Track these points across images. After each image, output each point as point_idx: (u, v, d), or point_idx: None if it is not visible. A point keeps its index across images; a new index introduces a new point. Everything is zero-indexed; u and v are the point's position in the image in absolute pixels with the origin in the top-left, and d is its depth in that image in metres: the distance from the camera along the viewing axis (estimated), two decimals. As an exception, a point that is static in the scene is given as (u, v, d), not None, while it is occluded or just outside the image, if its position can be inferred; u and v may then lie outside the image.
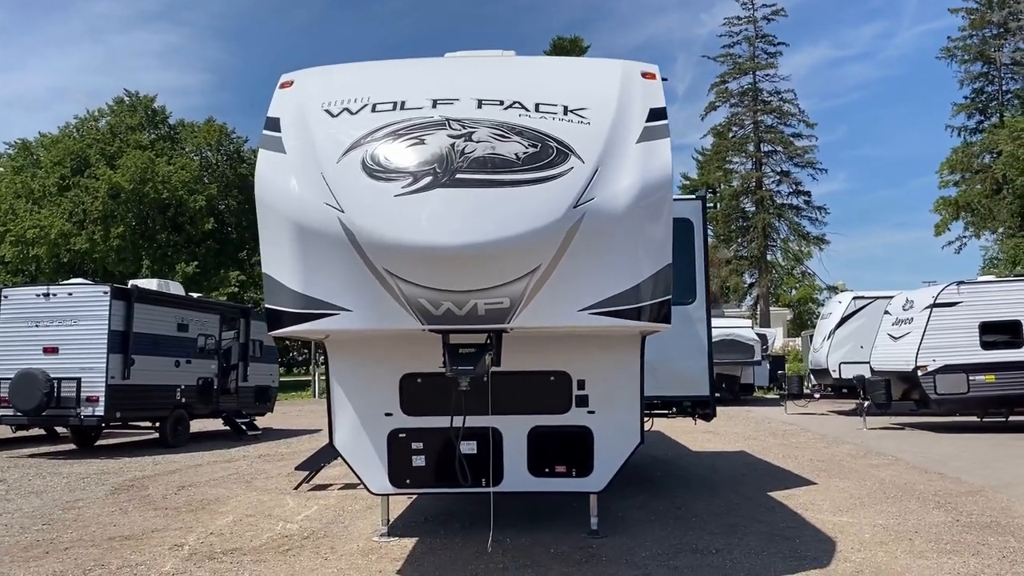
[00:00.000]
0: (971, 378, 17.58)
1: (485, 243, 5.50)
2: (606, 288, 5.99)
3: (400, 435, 7.89)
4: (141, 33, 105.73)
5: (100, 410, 15.11)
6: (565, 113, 6.07)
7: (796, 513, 9.16)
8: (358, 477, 8.01)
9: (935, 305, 17.90)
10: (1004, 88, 50.94)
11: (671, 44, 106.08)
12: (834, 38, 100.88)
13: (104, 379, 15.09)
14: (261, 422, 20.47)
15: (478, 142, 5.82)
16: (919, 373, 17.74)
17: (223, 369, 18.63)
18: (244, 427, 19.02)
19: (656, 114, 6.28)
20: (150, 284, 17.95)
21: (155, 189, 41.95)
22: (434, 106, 6.12)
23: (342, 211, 5.77)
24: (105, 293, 15.47)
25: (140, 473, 13.29)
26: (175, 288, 18.64)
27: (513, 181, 5.66)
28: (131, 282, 17.87)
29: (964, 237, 47.87)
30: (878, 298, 23.49)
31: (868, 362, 21.01)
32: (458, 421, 7.04)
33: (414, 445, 7.93)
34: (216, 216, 46.99)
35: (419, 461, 7.96)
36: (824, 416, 24.08)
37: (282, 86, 6.70)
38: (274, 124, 6.38)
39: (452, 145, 5.80)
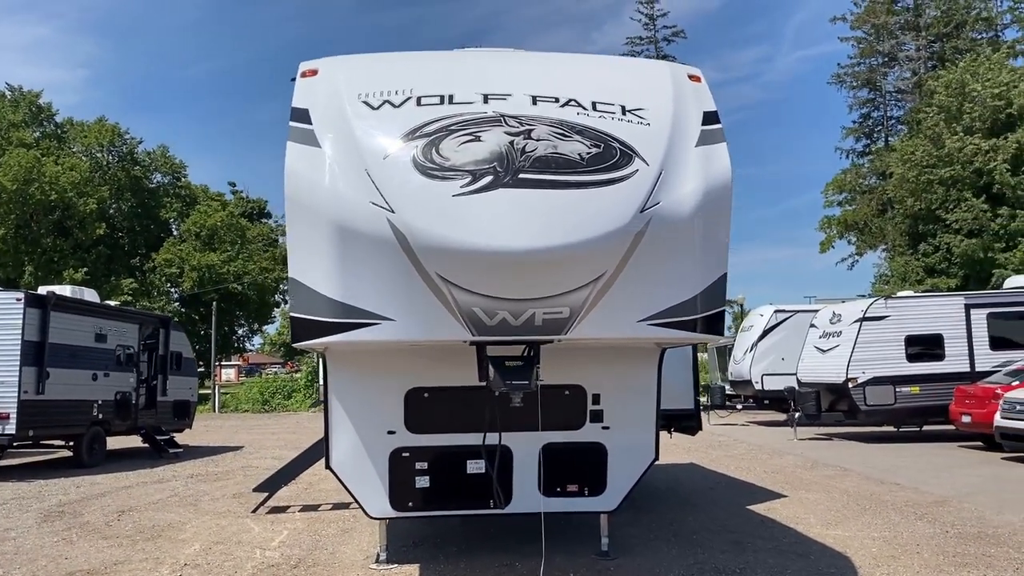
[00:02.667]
0: (898, 390, 18.20)
1: (553, 248, 5.13)
2: (667, 298, 5.71)
3: (403, 454, 7.38)
4: (5, 26, 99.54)
5: (11, 428, 13.82)
6: (624, 113, 5.76)
7: (790, 528, 9.08)
8: (355, 500, 7.45)
9: (864, 319, 18.46)
10: (889, 114, 53.75)
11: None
12: (719, 60, 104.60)
13: (16, 394, 13.82)
14: (179, 439, 19.23)
15: (538, 140, 5.44)
16: (850, 385, 18.24)
17: (142, 383, 17.40)
18: (164, 444, 17.81)
19: (710, 117, 6.05)
20: (64, 291, 16.57)
21: (41, 190, 39.44)
22: (485, 101, 5.70)
23: (392, 211, 5.29)
24: (19, 300, 14.18)
25: (65, 497, 12.17)
26: (90, 295, 17.30)
27: (579, 183, 5.31)
28: (44, 288, 16.49)
29: (853, 255, 50.10)
30: (799, 312, 24.16)
31: (790, 373, 21.55)
32: (492, 438, 6.63)
33: (418, 465, 7.43)
34: (107, 220, 44.58)
35: (423, 482, 7.46)
36: (746, 427, 24.55)
37: (304, 75, 6.14)
38: (303, 115, 5.82)
39: (511, 143, 5.40)
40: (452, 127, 5.51)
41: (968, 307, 18.54)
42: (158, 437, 17.81)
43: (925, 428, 19.47)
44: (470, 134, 5.47)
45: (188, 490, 12.78)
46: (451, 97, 5.74)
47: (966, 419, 16.56)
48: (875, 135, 54.17)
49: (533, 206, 5.20)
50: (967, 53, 42.14)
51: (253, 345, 65.78)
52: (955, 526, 9.06)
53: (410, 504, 7.46)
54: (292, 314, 5.81)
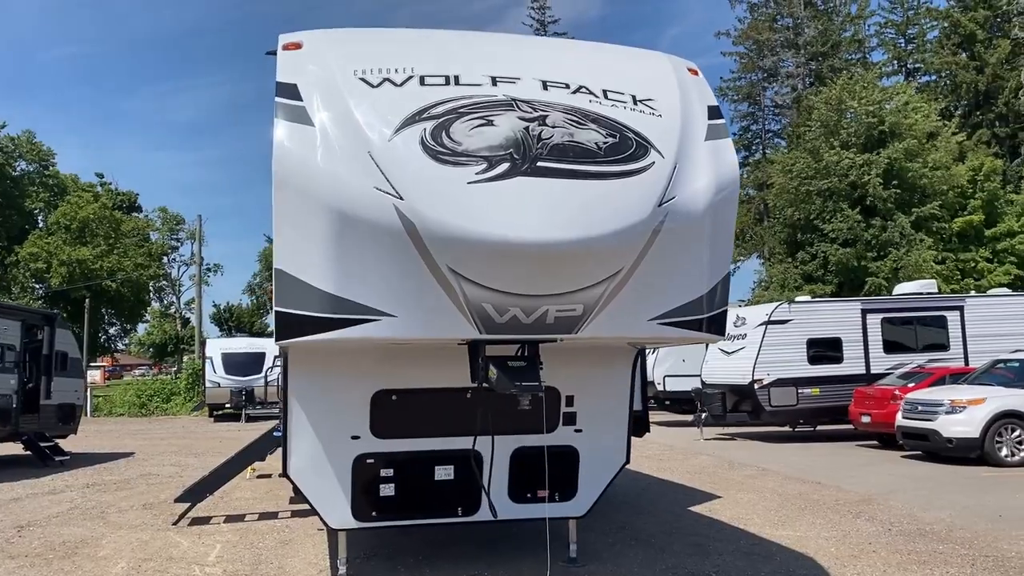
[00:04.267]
0: (800, 391, 18.81)
1: (577, 241, 4.87)
2: (676, 296, 5.53)
3: (367, 461, 6.93)
4: None
5: None
6: (635, 103, 5.56)
7: (741, 529, 9.11)
8: (314, 509, 6.94)
9: (769, 322, 18.99)
10: (767, 128, 56.08)
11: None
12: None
13: None
14: (62, 445, 17.78)
15: (554, 127, 5.16)
16: (755, 386, 18.72)
17: (24, 385, 15.98)
18: (48, 452, 16.42)
19: (713, 112, 5.92)
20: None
21: None
22: (494, 84, 5.38)
23: (400, 198, 4.89)
24: None
25: (-53, 511, 10.97)
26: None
27: (598, 173, 5.07)
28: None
29: (737, 260, 51.91)
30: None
31: (692, 375, 21.99)
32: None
33: (383, 472, 7.00)
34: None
35: (387, 490, 7.04)
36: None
37: (287, 47, 5.63)
38: (291, 91, 5.32)
39: (526, 128, 5.11)
40: (461, 109, 5.17)
41: (864, 312, 19.36)
42: (42, 444, 16.41)
43: (818, 428, 20.22)
44: (482, 118, 5.13)
45: (88, 501, 11.76)
46: (457, 78, 5.38)
47: (866, 419, 17.27)
48: (754, 147, 56.42)
49: (554, 196, 4.92)
50: (842, 72, 44.40)
51: (124, 345, 62.35)
52: (894, 524, 9.30)
53: (373, 514, 7.01)
54: (277, 309, 5.29)
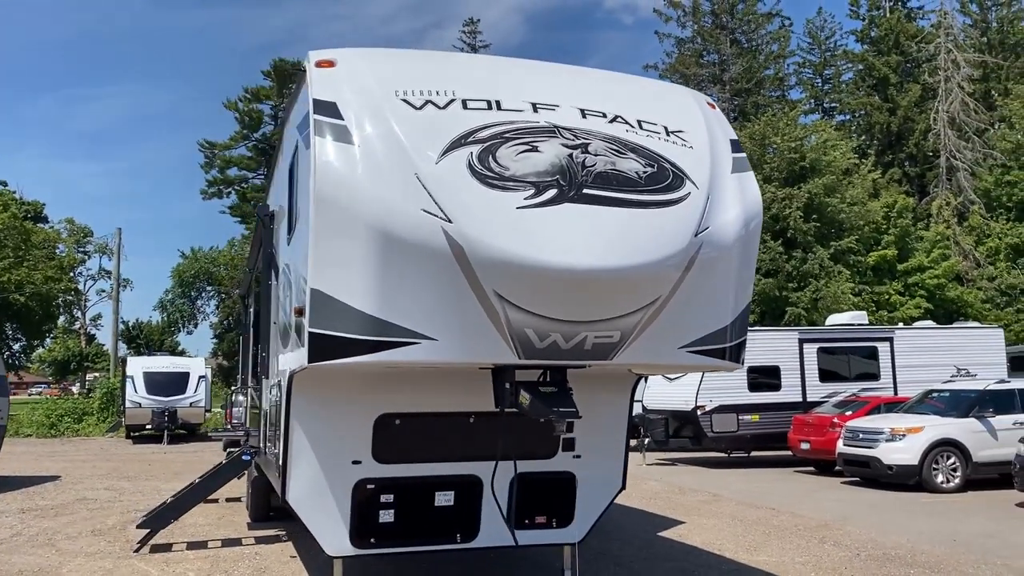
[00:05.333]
0: (740, 417, 19.24)
1: (623, 268, 4.94)
2: (704, 325, 5.64)
3: (368, 486, 6.80)
4: None
5: None
6: (667, 134, 5.66)
7: (716, 554, 9.27)
8: (313, 535, 6.75)
9: (711, 350, 19.36)
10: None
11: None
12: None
13: None
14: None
15: (596, 155, 5.23)
16: (698, 412, 19.06)
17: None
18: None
19: (735, 145, 6.09)
20: None
21: None
22: (535, 110, 5.41)
23: (449, 221, 4.86)
24: None
25: None
26: None
27: (640, 202, 5.15)
28: None
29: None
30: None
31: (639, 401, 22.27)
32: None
33: (383, 498, 6.87)
34: None
35: (387, 516, 6.91)
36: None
37: (320, 64, 5.54)
38: (330, 109, 5.23)
39: (570, 156, 5.15)
40: (506, 134, 5.18)
41: (802, 342, 19.98)
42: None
43: (752, 454, 20.72)
44: (526, 143, 5.15)
45: (30, 528, 11.14)
46: (498, 103, 5.40)
47: (805, 446, 17.77)
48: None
49: (600, 223, 4.97)
50: (766, 108, 46.02)
51: (30, 362, 59.46)
52: (860, 549, 9.58)
53: (372, 540, 6.87)
54: (312, 330, 5.16)
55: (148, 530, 9.59)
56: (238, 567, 8.58)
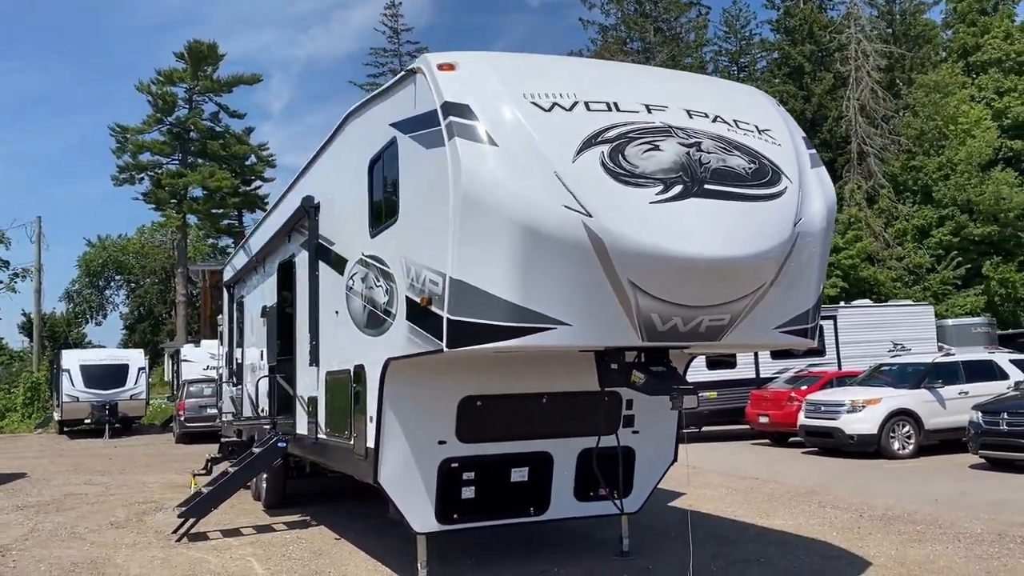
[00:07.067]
0: (700, 395, 20.05)
1: (742, 256, 5.46)
2: (795, 307, 6.22)
3: (452, 465, 7.17)
4: None
5: None
6: (759, 132, 6.18)
7: (736, 520, 9.96)
8: (401, 514, 7.05)
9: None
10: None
11: (269, 62, 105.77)
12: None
13: None
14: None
15: (709, 153, 5.71)
16: (661, 391, 19.83)
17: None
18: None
19: (807, 142, 6.65)
20: None
21: None
22: (649, 111, 5.85)
23: (589, 215, 5.28)
24: None
25: None
26: None
27: (751, 196, 5.66)
28: None
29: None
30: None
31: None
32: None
33: (465, 475, 7.26)
34: None
35: (468, 493, 7.30)
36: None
37: (442, 68, 5.82)
38: (464, 111, 5.55)
39: (688, 154, 5.62)
40: (630, 134, 5.61)
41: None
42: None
43: (703, 428, 21.70)
44: (649, 143, 5.59)
45: (43, 523, 10.99)
46: (616, 104, 5.81)
47: (763, 419, 18.81)
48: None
49: (720, 216, 5.46)
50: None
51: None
52: (860, 510, 10.42)
53: (455, 516, 7.26)
54: (452, 317, 5.48)
55: (193, 519, 9.63)
56: (292, 550, 8.79)
